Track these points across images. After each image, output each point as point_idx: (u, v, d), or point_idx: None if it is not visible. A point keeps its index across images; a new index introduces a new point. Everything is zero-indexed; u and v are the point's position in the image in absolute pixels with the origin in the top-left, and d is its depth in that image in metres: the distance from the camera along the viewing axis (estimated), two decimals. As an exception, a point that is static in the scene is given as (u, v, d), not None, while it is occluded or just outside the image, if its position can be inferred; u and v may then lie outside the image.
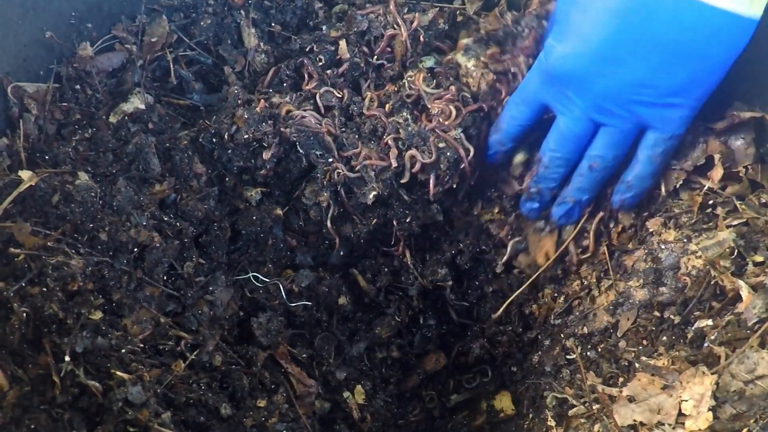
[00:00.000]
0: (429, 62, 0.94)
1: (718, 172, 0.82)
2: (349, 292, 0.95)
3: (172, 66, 0.91)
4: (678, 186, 0.85)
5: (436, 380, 1.00)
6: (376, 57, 0.92)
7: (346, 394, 0.90)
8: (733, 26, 0.68)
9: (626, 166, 0.84)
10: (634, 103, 0.76)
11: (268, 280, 0.89)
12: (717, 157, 0.82)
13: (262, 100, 0.89)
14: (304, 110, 0.88)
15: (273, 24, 0.97)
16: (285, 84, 0.93)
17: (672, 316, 0.78)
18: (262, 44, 0.95)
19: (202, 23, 0.92)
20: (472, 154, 0.89)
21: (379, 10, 0.93)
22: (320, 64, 0.92)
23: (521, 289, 0.94)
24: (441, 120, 0.88)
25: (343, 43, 0.92)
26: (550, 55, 0.78)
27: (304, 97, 0.91)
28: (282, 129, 0.87)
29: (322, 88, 0.90)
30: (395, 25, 0.91)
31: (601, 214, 0.89)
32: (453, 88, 0.90)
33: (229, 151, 0.88)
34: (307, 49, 0.93)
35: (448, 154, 0.87)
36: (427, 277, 0.98)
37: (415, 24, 0.91)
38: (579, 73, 0.76)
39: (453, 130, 0.88)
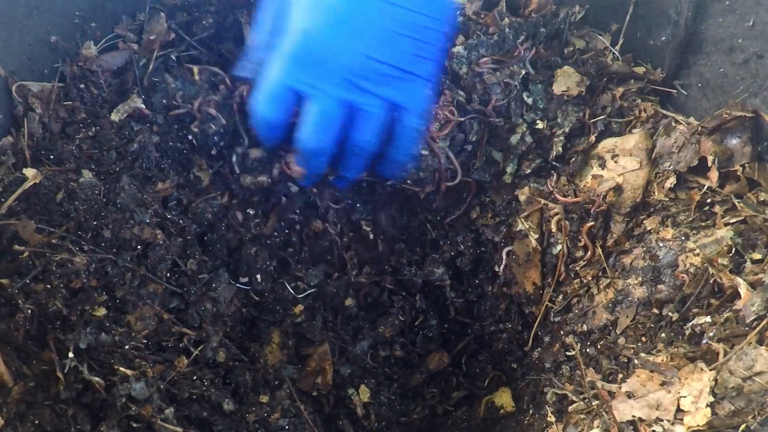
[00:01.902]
0: None
1: (713, 173, 0.83)
2: (355, 294, 0.96)
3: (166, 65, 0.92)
4: (672, 186, 0.86)
5: (439, 378, 1.00)
6: None
7: (350, 390, 0.90)
8: (445, 7, 0.77)
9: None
10: (378, 77, 0.78)
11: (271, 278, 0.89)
12: (710, 158, 0.83)
13: None
14: None
15: (274, 23, 0.97)
16: None
17: (670, 314, 0.78)
18: (263, 43, 0.95)
19: (204, 22, 0.93)
20: (459, 176, 0.92)
21: None
22: None
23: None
24: (433, 128, 0.89)
25: None
26: (295, 34, 0.76)
27: None
28: None
29: None
30: None
31: (592, 223, 0.89)
32: (448, 92, 0.91)
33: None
34: None
35: (429, 162, 0.89)
36: (426, 276, 0.98)
37: None
38: (325, 47, 0.76)
39: (440, 141, 0.89)
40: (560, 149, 0.93)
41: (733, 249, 0.77)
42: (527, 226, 0.94)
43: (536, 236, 0.93)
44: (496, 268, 0.97)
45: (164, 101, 0.87)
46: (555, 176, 0.94)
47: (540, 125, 0.93)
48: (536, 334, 0.94)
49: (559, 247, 0.92)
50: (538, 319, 0.93)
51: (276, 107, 0.78)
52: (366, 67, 0.77)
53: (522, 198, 0.95)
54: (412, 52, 0.78)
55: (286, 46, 0.77)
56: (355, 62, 0.77)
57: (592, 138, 0.92)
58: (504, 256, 0.95)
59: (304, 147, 0.80)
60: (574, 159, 0.93)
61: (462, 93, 0.92)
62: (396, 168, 0.86)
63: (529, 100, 0.93)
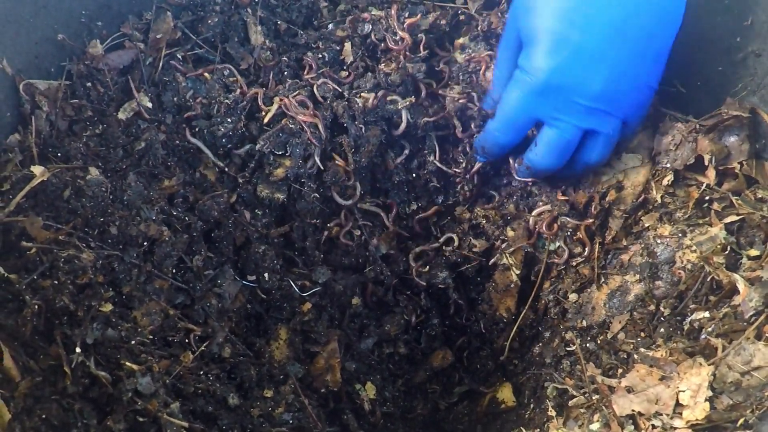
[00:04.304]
0: None
1: (711, 171, 0.84)
2: (362, 293, 0.96)
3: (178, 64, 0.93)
4: (670, 184, 0.86)
5: (442, 374, 1.01)
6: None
7: (357, 386, 0.91)
8: (678, 11, 0.80)
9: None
10: (619, 97, 0.81)
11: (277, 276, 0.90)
12: (707, 157, 0.83)
13: None
14: (296, 99, 0.90)
15: (279, 22, 0.98)
16: (285, 73, 0.95)
17: (668, 309, 0.79)
18: (267, 42, 0.96)
19: (209, 21, 0.94)
20: None
21: (381, 14, 0.95)
22: (323, 59, 0.94)
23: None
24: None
25: (348, 45, 0.93)
26: (538, 71, 0.79)
27: (299, 85, 0.92)
28: None
29: (320, 79, 0.92)
30: (396, 31, 0.93)
31: (591, 220, 0.90)
32: (456, 87, 0.93)
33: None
34: (313, 46, 0.95)
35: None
36: (429, 279, 0.99)
37: (413, 21, 0.93)
38: (574, 81, 0.79)
39: None
40: None
41: (728, 248, 0.77)
42: (511, 262, 0.95)
43: (518, 272, 0.94)
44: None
45: (174, 99, 0.88)
46: None
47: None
48: (537, 329, 0.95)
49: (557, 244, 0.93)
50: (511, 336, 0.94)
51: (513, 134, 0.85)
52: (610, 93, 0.80)
53: (510, 234, 0.95)
54: (649, 66, 0.81)
55: (531, 81, 0.80)
56: (601, 89, 0.79)
57: None
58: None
59: (535, 167, 0.86)
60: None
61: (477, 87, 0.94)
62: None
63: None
